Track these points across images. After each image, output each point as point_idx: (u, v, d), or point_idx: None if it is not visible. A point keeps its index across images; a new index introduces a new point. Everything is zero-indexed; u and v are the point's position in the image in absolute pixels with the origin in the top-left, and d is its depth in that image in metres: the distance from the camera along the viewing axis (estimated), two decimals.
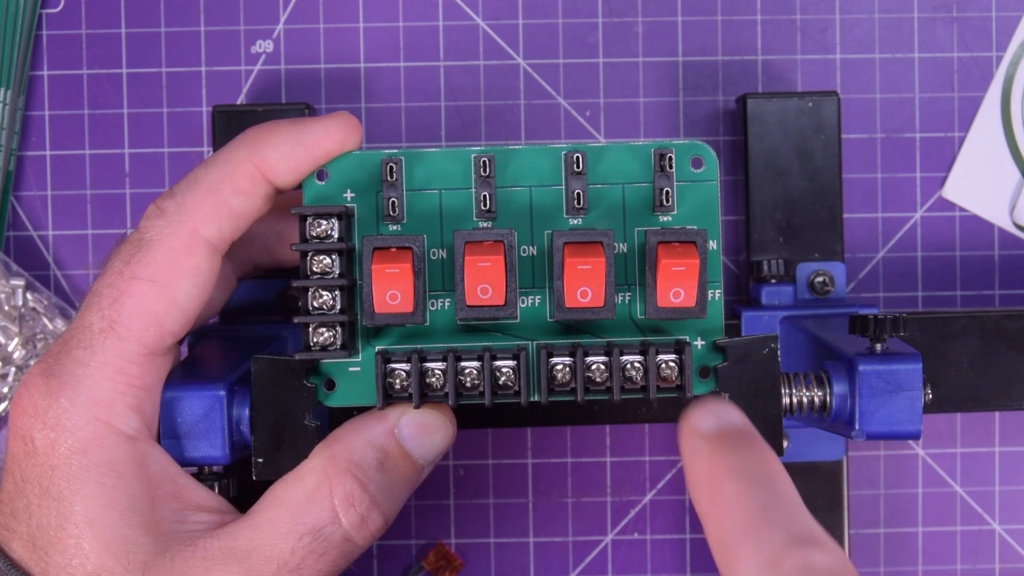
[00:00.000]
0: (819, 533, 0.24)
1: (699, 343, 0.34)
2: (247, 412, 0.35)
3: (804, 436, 0.43)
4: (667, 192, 0.34)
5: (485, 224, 0.34)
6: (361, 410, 0.43)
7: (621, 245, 0.34)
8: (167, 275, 0.33)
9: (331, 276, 0.33)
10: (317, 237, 0.33)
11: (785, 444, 0.43)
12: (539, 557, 0.47)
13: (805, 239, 0.44)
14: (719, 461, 0.26)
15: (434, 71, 0.47)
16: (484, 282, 0.32)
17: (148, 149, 0.47)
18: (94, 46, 0.47)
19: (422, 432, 0.34)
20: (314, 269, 0.33)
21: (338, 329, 0.33)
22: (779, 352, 0.33)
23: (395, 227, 0.34)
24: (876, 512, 0.47)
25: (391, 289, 0.32)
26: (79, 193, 0.47)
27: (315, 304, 0.33)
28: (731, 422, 0.28)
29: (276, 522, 0.33)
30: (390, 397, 0.33)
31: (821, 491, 0.44)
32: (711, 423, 0.28)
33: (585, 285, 0.32)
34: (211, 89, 0.47)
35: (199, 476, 0.35)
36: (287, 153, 0.34)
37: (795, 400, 0.35)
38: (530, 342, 0.34)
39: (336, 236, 0.33)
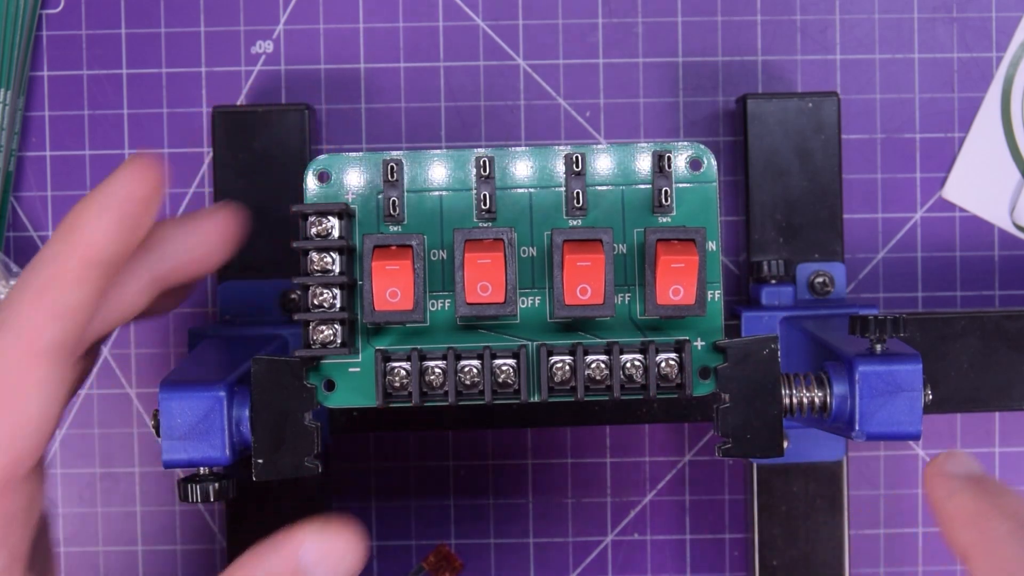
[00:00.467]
0: None
1: (699, 344, 0.34)
2: (247, 412, 0.35)
3: (804, 437, 0.43)
4: (666, 193, 0.34)
5: (485, 224, 0.34)
6: (361, 410, 0.44)
7: (621, 246, 0.34)
8: (7, 399, 0.31)
9: (331, 274, 0.33)
10: (318, 235, 0.33)
11: (785, 444, 0.43)
12: (539, 557, 0.47)
13: (805, 239, 0.44)
14: (986, 500, 0.28)
15: (434, 71, 0.47)
16: (484, 279, 0.32)
17: (148, 150, 0.47)
18: (94, 46, 0.47)
19: (327, 558, 0.31)
20: (314, 267, 0.33)
21: (338, 327, 0.33)
22: (779, 353, 0.33)
23: (396, 227, 0.34)
24: (876, 512, 0.47)
25: (391, 286, 0.32)
26: (79, 194, 0.47)
27: (315, 302, 0.33)
28: (978, 469, 0.30)
29: None
30: (390, 396, 0.33)
31: (821, 491, 0.44)
32: (962, 469, 0.30)
33: (585, 282, 0.32)
34: (211, 89, 0.47)
35: (200, 477, 0.35)
36: (102, 226, 0.31)
37: (795, 401, 0.35)
38: (530, 342, 0.34)
39: (336, 234, 0.33)
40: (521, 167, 0.35)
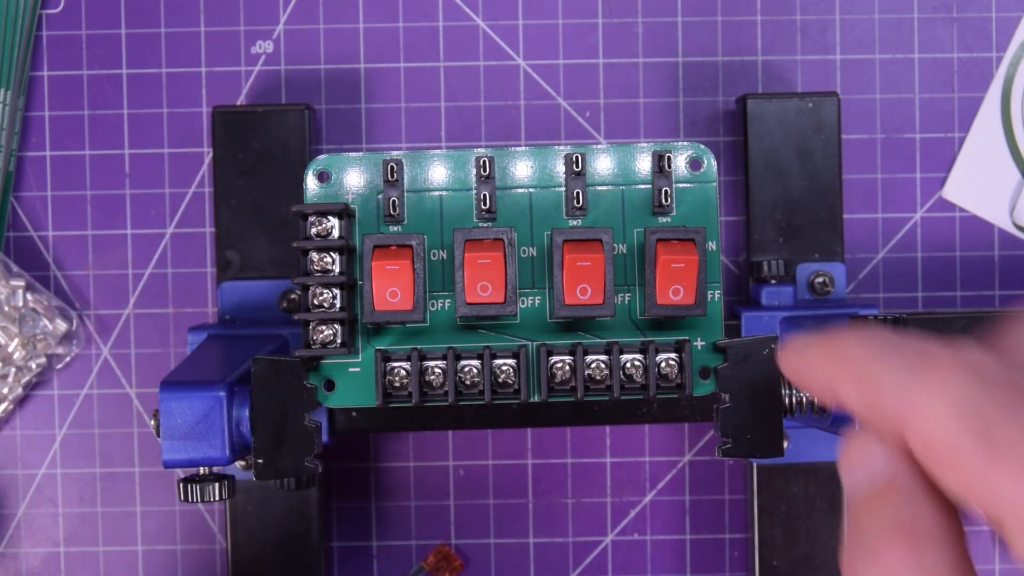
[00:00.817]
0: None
1: (699, 344, 0.34)
2: (247, 412, 0.35)
3: (804, 436, 0.43)
4: (666, 193, 0.34)
5: (485, 224, 0.34)
6: (361, 410, 0.44)
7: (621, 246, 0.34)
8: None
9: (331, 274, 0.33)
10: (318, 235, 0.33)
11: (785, 444, 0.43)
12: (539, 557, 0.47)
13: (805, 239, 0.44)
14: (836, 339, 0.26)
15: (434, 71, 0.47)
16: (484, 279, 0.32)
17: (148, 150, 0.47)
18: (94, 46, 0.47)
19: None
20: (315, 267, 0.33)
21: (338, 327, 0.33)
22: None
23: (396, 227, 0.35)
24: None
25: (391, 286, 0.32)
26: (79, 194, 0.47)
27: (315, 302, 0.33)
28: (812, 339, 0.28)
29: None
30: (390, 396, 0.33)
31: (821, 491, 0.44)
32: (808, 338, 0.28)
33: (584, 282, 0.32)
34: (211, 89, 0.47)
35: (200, 477, 0.35)
36: None
37: (795, 400, 0.35)
38: (530, 342, 0.34)
39: (336, 234, 0.33)
40: (521, 167, 0.35)
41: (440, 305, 0.34)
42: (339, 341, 0.33)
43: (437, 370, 0.33)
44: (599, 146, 0.35)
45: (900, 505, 0.25)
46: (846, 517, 0.26)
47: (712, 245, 0.34)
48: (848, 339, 0.26)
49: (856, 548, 0.25)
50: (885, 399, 0.24)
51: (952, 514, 0.25)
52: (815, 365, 0.27)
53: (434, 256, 0.34)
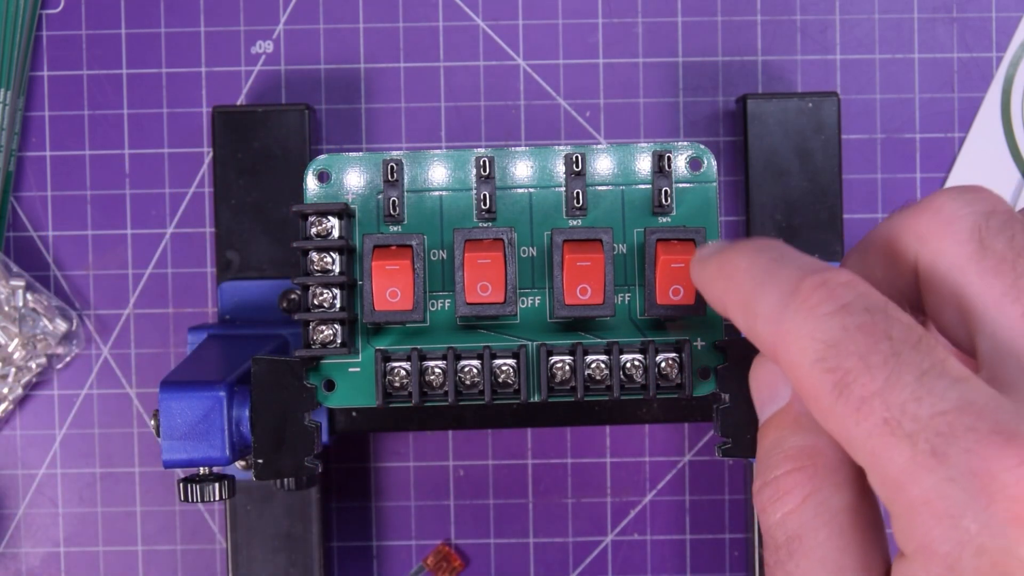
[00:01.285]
0: (828, 264, 0.24)
1: (699, 343, 0.34)
2: (247, 412, 0.35)
3: None
4: (666, 193, 0.34)
5: (485, 224, 0.34)
6: (361, 410, 0.44)
7: (621, 246, 0.34)
8: None
9: (331, 274, 0.33)
10: (318, 235, 0.33)
11: None
12: (539, 557, 0.47)
13: (805, 239, 0.44)
14: (730, 253, 0.26)
15: (434, 71, 0.47)
16: (484, 279, 0.32)
17: (148, 150, 0.47)
18: (94, 46, 0.47)
19: None
20: (315, 267, 0.33)
21: (338, 327, 0.33)
22: None
23: (396, 227, 0.35)
24: None
25: (391, 286, 0.32)
26: (79, 194, 0.47)
27: (315, 302, 0.33)
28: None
29: None
30: (390, 396, 0.33)
31: None
32: (713, 246, 0.28)
33: (584, 282, 0.32)
34: (211, 89, 0.47)
35: (200, 477, 0.35)
36: None
37: None
38: (530, 342, 0.34)
39: (336, 234, 0.33)
40: (521, 167, 0.35)
41: (440, 305, 0.34)
42: (339, 341, 0.33)
43: (437, 370, 0.33)
44: (599, 146, 0.35)
45: (799, 433, 0.25)
46: (758, 444, 0.26)
47: None
48: (738, 257, 0.25)
49: (760, 477, 0.25)
50: (760, 332, 0.24)
51: None
52: (712, 282, 0.27)
53: (434, 256, 0.34)
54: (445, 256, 0.34)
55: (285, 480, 0.41)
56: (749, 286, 0.24)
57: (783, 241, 0.26)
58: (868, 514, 0.24)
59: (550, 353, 0.33)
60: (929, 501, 0.20)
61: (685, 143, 0.35)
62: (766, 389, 0.26)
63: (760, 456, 0.26)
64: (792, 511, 0.24)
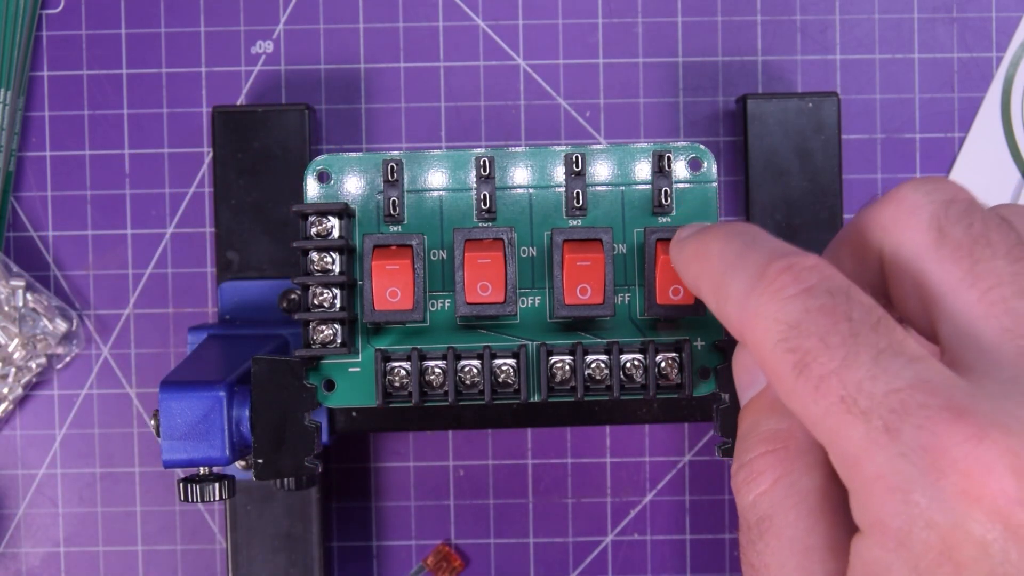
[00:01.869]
0: (798, 249, 0.24)
1: (699, 344, 0.34)
2: (247, 412, 0.35)
3: None
4: (666, 193, 0.34)
5: (485, 224, 0.34)
6: (361, 410, 0.44)
7: (620, 246, 0.34)
8: None
9: (331, 274, 0.33)
10: (318, 235, 0.33)
11: None
12: (539, 557, 0.47)
13: (805, 239, 0.44)
14: (705, 236, 0.27)
15: (434, 71, 0.47)
16: (484, 279, 0.32)
17: (148, 150, 0.47)
18: (94, 46, 0.47)
19: None
20: (315, 267, 0.33)
21: (338, 327, 0.33)
22: None
23: (396, 227, 0.35)
24: None
25: (391, 286, 0.32)
26: (79, 193, 0.47)
27: (315, 302, 0.33)
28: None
29: None
30: (390, 396, 0.33)
31: None
32: (691, 228, 0.29)
33: (584, 282, 0.32)
34: (211, 89, 0.47)
35: (200, 477, 0.35)
36: None
37: None
38: (530, 341, 0.34)
39: (336, 234, 0.33)
40: (521, 167, 0.35)
41: (440, 305, 0.34)
42: (339, 341, 0.33)
43: (437, 370, 0.33)
44: (599, 146, 0.35)
45: (773, 416, 0.25)
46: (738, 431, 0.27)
47: None
48: (713, 241, 0.26)
49: (738, 458, 0.26)
50: (728, 314, 0.25)
51: None
52: (688, 264, 0.27)
53: (434, 256, 0.34)
54: (445, 256, 0.34)
55: (285, 480, 0.41)
56: (720, 269, 0.25)
57: (758, 226, 0.27)
58: (836, 496, 0.24)
59: (550, 353, 0.33)
60: (882, 476, 0.21)
61: (685, 143, 0.35)
62: (745, 374, 0.27)
63: (738, 439, 0.26)
64: (764, 492, 0.24)
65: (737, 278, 0.24)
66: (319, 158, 0.35)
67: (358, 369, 0.34)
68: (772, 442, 0.25)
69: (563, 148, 0.35)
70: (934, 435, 0.20)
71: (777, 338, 0.23)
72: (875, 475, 0.21)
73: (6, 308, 0.45)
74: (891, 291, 0.26)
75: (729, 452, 0.33)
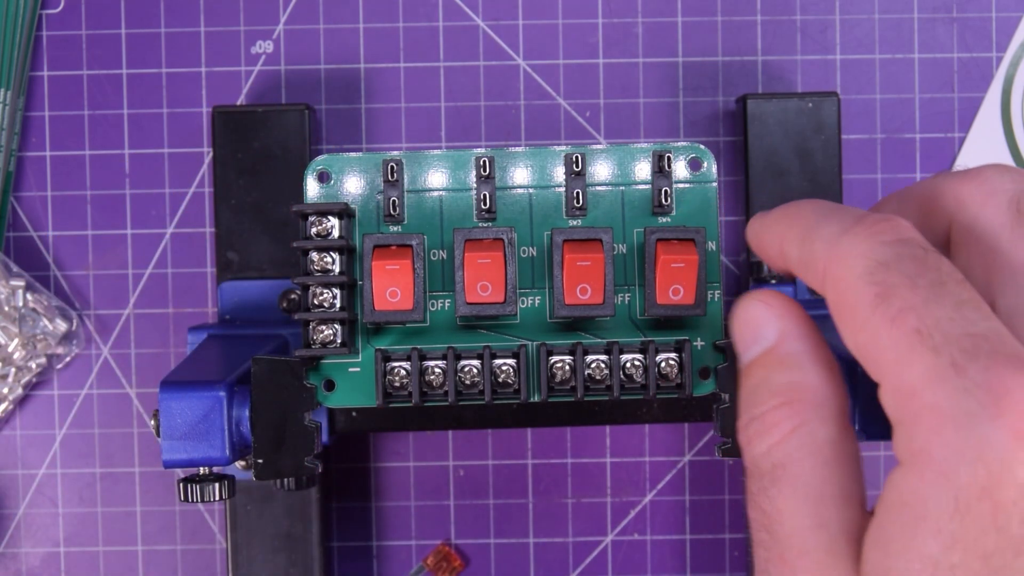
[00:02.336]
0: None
1: (699, 344, 0.34)
2: (247, 412, 0.35)
3: None
4: (666, 193, 0.34)
5: (485, 224, 0.34)
6: (361, 410, 0.44)
7: (620, 246, 0.34)
8: None
9: (331, 274, 0.33)
10: (318, 235, 0.33)
11: None
12: (539, 557, 0.47)
13: None
14: (794, 203, 0.28)
15: (434, 71, 0.47)
16: (484, 279, 0.32)
17: (148, 150, 0.47)
18: (94, 46, 0.47)
19: None
20: (315, 267, 0.33)
21: (338, 327, 0.33)
22: None
23: (396, 227, 0.35)
24: None
25: (391, 286, 0.32)
26: (79, 193, 0.47)
27: (315, 302, 0.33)
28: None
29: None
30: (390, 396, 0.33)
31: None
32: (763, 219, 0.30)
33: (584, 282, 0.32)
34: (211, 89, 0.47)
35: (200, 477, 0.35)
36: None
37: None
38: (530, 341, 0.34)
39: (336, 234, 0.33)
40: (521, 167, 0.35)
41: (440, 305, 0.34)
42: (339, 341, 0.33)
43: (437, 370, 0.33)
44: (599, 146, 0.35)
45: (785, 371, 0.26)
46: (740, 384, 0.27)
47: (712, 245, 0.34)
48: (802, 205, 0.27)
49: (746, 413, 0.26)
50: (816, 250, 0.25)
51: (837, 383, 0.26)
52: (771, 227, 0.28)
53: (434, 256, 0.34)
54: (445, 256, 0.34)
55: (285, 480, 0.41)
56: (814, 218, 0.26)
57: None
58: (849, 448, 0.25)
59: (550, 353, 0.33)
60: (938, 407, 0.21)
61: (685, 143, 0.35)
62: (749, 330, 0.28)
63: (745, 394, 0.27)
64: (778, 442, 0.25)
65: (832, 221, 0.25)
66: (319, 158, 0.35)
67: (358, 369, 0.34)
68: (786, 394, 0.26)
69: (563, 148, 0.35)
70: (1000, 377, 0.21)
71: (863, 271, 0.23)
72: (931, 405, 0.22)
73: (6, 308, 0.45)
74: (954, 257, 0.27)
75: (729, 452, 0.33)
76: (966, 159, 0.47)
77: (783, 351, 0.27)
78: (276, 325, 0.42)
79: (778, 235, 0.28)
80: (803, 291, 0.44)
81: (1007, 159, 0.47)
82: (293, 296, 0.44)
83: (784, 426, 0.25)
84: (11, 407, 0.46)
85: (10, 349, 0.45)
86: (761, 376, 0.27)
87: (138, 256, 0.47)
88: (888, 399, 0.23)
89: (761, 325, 0.27)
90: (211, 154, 0.46)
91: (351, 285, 0.34)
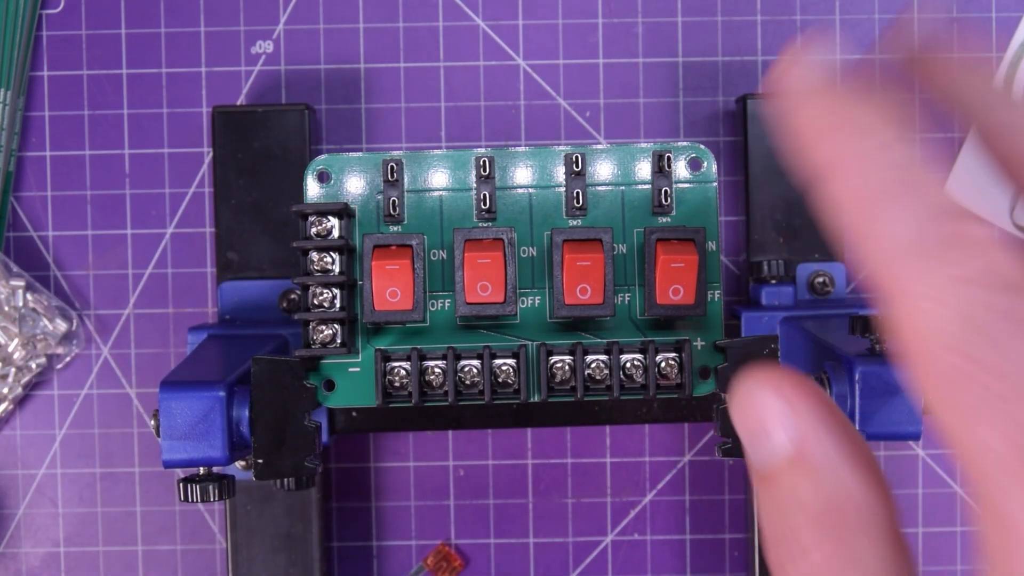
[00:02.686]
0: (964, 208, 0.20)
1: (699, 343, 0.34)
2: (247, 412, 0.35)
3: None
4: (666, 193, 0.34)
5: (485, 224, 0.34)
6: (361, 410, 0.44)
7: (620, 246, 0.34)
8: None
9: (331, 274, 0.33)
10: (318, 235, 0.33)
11: None
12: (539, 557, 0.47)
13: (805, 240, 0.44)
14: (851, 103, 0.22)
15: (434, 71, 0.47)
16: (483, 279, 0.32)
17: (148, 150, 0.47)
18: (94, 46, 0.47)
19: None
20: (315, 267, 0.33)
21: (338, 327, 0.33)
22: (779, 353, 0.33)
23: (396, 227, 0.35)
24: None
25: (391, 286, 0.32)
26: (79, 193, 0.47)
27: (315, 302, 0.33)
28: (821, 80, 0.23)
29: None
30: (390, 396, 0.33)
31: None
32: (806, 81, 0.23)
33: (584, 282, 0.32)
34: (211, 89, 0.47)
35: (200, 477, 0.35)
36: None
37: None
38: (530, 341, 0.34)
39: (336, 234, 0.34)
40: (521, 167, 0.35)
41: (440, 305, 0.34)
42: (339, 341, 0.33)
43: (437, 370, 0.33)
44: (599, 146, 0.35)
45: (820, 486, 0.21)
46: (756, 492, 0.22)
47: (712, 245, 0.34)
48: (865, 115, 0.21)
49: (779, 540, 0.21)
50: (873, 254, 0.20)
51: (880, 486, 0.21)
52: (815, 119, 0.22)
53: (434, 256, 0.34)
54: (445, 256, 0.34)
55: (285, 480, 0.41)
56: (874, 183, 0.20)
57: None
58: (904, 568, 0.21)
59: (550, 353, 0.33)
60: None
61: (685, 143, 0.35)
62: (759, 424, 0.22)
63: (767, 504, 0.22)
64: (818, 565, 0.21)
65: (897, 216, 0.20)
66: (319, 158, 0.35)
67: (358, 369, 0.34)
68: (821, 511, 0.21)
69: (563, 148, 0.35)
70: None
71: (952, 339, 0.18)
72: None
73: (6, 308, 0.45)
74: None
75: (729, 452, 0.33)
76: (966, 159, 0.47)
77: (814, 455, 0.21)
78: (276, 325, 0.42)
79: (819, 155, 0.22)
80: (803, 291, 0.44)
81: None
82: (293, 296, 0.44)
83: (825, 548, 0.20)
84: (11, 407, 0.46)
85: (10, 349, 0.45)
86: (786, 484, 0.21)
87: (138, 256, 0.47)
88: (978, 507, 0.19)
89: (776, 418, 0.21)
90: (211, 154, 0.46)
91: (351, 285, 0.34)
